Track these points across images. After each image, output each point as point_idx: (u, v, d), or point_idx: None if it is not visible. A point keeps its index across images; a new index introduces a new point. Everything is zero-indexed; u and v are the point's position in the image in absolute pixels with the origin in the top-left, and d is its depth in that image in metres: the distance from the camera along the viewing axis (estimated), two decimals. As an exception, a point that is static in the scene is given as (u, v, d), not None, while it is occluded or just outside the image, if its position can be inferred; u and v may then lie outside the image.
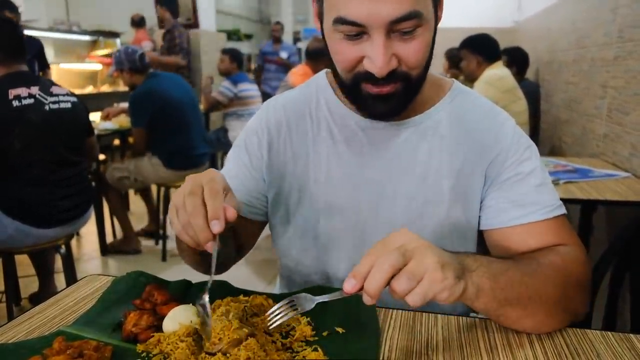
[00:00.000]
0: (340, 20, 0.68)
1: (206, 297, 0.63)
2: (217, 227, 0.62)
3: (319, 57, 3.32)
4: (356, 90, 0.75)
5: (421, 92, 0.82)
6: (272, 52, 6.48)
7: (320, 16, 0.76)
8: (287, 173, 0.88)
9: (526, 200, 0.80)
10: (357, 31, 0.69)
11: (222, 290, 0.79)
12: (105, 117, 3.55)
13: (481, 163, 0.83)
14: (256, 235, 0.95)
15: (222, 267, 0.90)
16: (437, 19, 0.75)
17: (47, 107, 1.99)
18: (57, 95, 2.05)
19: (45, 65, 3.84)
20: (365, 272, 0.58)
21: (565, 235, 0.80)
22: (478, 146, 0.83)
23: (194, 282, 0.83)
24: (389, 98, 0.74)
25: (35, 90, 1.97)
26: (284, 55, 6.42)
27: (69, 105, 2.09)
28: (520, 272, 0.69)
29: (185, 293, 0.80)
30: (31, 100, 1.94)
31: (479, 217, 0.85)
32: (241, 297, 0.77)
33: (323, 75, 0.92)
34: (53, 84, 2.09)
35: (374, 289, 0.56)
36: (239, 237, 0.91)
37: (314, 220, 0.87)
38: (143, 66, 3.06)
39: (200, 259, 0.82)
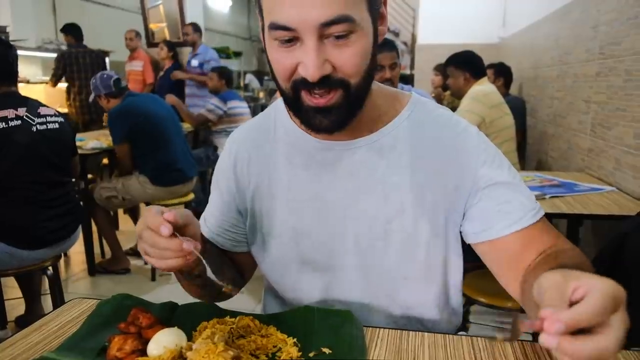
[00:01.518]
0: (273, 26, 0.69)
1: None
2: (166, 230, 0.65)
3: None
4: (297, 102, 0.74)
5: (375, 107, 0.82)
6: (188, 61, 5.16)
7: (262, 29, 0.75)
8: (255, 202, 0.89)
9: (513, 206, 0.78)
10: (290, 36, 0.68)
11: (209, 312, 0.79)
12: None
13: (446, 175, 0.81)
14: (253, 262, 0.97)
15: (225, 295, 0.90)
16: (376, 31, 0.74)
17: (34, 129, 1.99)
18: (44, 116, 2.05)
19: None
20: (579, 322, 0.44)
21: (554, 231, 0.80)
22: (440, 158, 0.81)
23: (180, 303, 0.83)
24: (328, 110, 0.72)
25: (22, 111, 1.97)
26: (194, 63, 5.08)
27: (56, 125, 2.09)
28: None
29: (171, 315, 0.80)
30: (18, 122, 1.94)
31: (461, 231, 0.84)
32: (227, 318, 0.77)
33: (281, 101, 0.90)
34: (41, 104, 2.09)
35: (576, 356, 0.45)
36: (238, 265, 0.95)
37: (285, 245, 0.87)
38: (119, 91, 3.07)
39: (200, 288, 0.85)
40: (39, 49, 5.39)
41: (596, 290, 0.46)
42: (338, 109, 0.72)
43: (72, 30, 4.98)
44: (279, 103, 0.91)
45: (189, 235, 0.70)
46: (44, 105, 2.10)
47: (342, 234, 0.84)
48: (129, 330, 0.72)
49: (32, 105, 2.04)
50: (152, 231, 0.67)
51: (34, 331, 0.78)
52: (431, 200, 0.81)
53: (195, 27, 5.18)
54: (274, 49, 0.72)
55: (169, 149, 3.10)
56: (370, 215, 0.82)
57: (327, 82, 0.70)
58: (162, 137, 3.07)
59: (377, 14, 0.74)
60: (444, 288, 0.88)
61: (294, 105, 0.75)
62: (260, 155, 0.89)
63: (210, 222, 0.93)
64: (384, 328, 0.77)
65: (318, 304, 0.88)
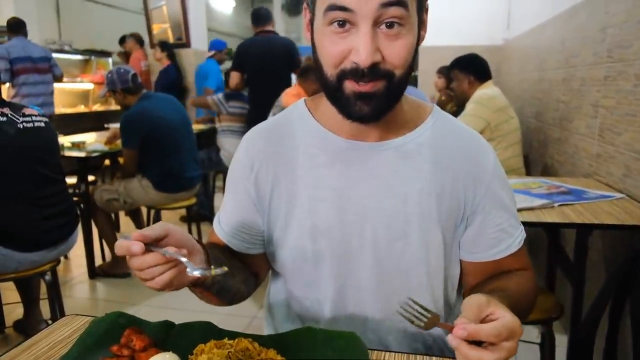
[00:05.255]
0: (331, 7, 0.71)
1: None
2: (137, 247, 0.64)
3: (308, 74, 3.32)
4: (339, 89, 0.75)
5: (402, 112, 0.85)
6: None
7: (311, 23, 0.78)
8: (273, 200, 0.89)
9: (509, 230, 0.87)
10: (346, 17, 0.71)
11: (206, 332, 0.76)
12: (110, 142, 3.39)
13: (462, 187, 0.85)
14: (267, 263, 0.96)
15: (239, 296, 0.91)
16: (419, 35, 0.78)
17: (20, 126, 1.98)
18: (29, 115, 2.04)
19: None
20: (478, 336, 0.59)
21: (527, 258, 0.91)
22: (460, 170, 0.85)
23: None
24: (371, 97, 0.74)
25: (6, 110, 1.97)
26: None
27: (42, 124, 2.08)
28: (518, 311, 0.75)
29: (167, 336, 0.76)
30: (3, 119, 1.94)
31: (460, 244, 0.88)
32: (225, 340, 0.73)
33: (302, 102, 0.93)
34: (23, 106, 2.09)
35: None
36: (251, 266, 0.94)
37: (301, 244, 0.87)
38: (136, 87, 3.01)
39: (216, 296, 0.84)
40: (41, 49, 5.36)
41: (502, 319, 0.60)
42: (379, 97, 0.75)
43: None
44: (298, 106, 0.92)
45: (175, 245, 0.69)
46: (26, 107, 2.10)
47: (361, 233, 0.84)
48: (121, 354, 0.68)
49: (15, 106, 2.04)
50: (132, 257, 0.65)
51: (24, 351, 0.75)
52: (447, 209, 0.84)
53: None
54: (325, 36, 0.74)
55: (177, 156, 3.05)
56: (391, 216, 0.83)
57: (375, 71, 0.73)
58: (172, 144, 3.02)
59: (421, 19, 0.78)
60: (446, 298, 0.90)
61: (335, 94, 0.77)
62: (280, 155, 0.88)
63: (225, 223, 0.93)
64: (390, 352, 0.74)
65: (330, 307, 0.87)
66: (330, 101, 0.79)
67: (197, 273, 0.65)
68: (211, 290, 0.80)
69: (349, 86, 0.74)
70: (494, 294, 0.69)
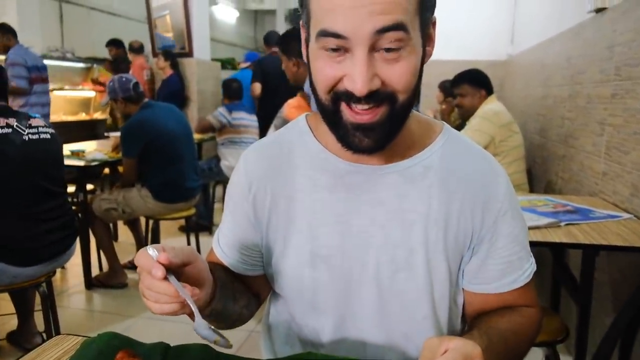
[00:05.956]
0: (323, 33, 0.66)
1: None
2: (158, 272, 0.61)
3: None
4: (335, 115, 0.70)
5: (409, 133, 0.79)
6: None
7: (307, 41, 0.73)
8: (271, 223, 0.84)
9: (517, 263, 0.82)
10: (339, 45, 0.65)
11: (203, 355, 0.73)
12: (115, 150, 3.36)
13: (470, 213, 0.79)
14: (266, 285, 0.92)
15: (240, 321, 0.89)
16: (424, 52, 0.72)
17: (25, 138, 1.95)
18: (36, 127, 2.02)
19: None
20: None
21: (533, 295, 0.86)
22: (469, 195, 0.79)
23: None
24: (371, 128, 0.69)
25: (12, 121, 1.94)
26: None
27: (47, 136, 2.05)
28: (505, 350, 0.73)
29: (162, 358, 0.72)
30: (9, 130, 1.91)
31: (464, 273, 0.83)
32: (223, 365, 0.70)
33: (303, 119, 0.88)
34: (30, 116, 2.06)
35: None
36: (253, 287, 0.91)
37: (300, 270, 0.82)
38: (137, 95, 2.99)
39: (217, 323, 0.83)
40: (44, 56, 5.37)
41: (452, 349, 0.58)
42: (381, 127, 0.69)
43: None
44: (299, 122, 0.87)
45: (192, 275, 0.67)
46: (34, 117, 2.07)
47: (363, 261, 0.79)
48: (113, 379, 0.65)
49: (22, 116, 2.01)
50: (148, 273, 0.62)
51: (11, 373, 0.71)
52: (454, 236, 0.79)
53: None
54: (319, 60, 0.69)
55: (178, 166, 3.02)
56: (394, 244, 0.78)
57: (374, 97, 0.67)
58: (173, 155, 3.00)
59: (426, 34, 0.72)
60: (451, 327, 0.86)
61: (332, 120, 0.71)
62: (278, 176, 0.84)
63: (223, 243, 0.89)
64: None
65: (330, 334, 0.83)
66: (328, 127, 0.74)
67: (203, 334, 0.63)
68: (210, 317, 0.77)
69: (346, 113, 0.69)
70: (474, 332, 0.69)
